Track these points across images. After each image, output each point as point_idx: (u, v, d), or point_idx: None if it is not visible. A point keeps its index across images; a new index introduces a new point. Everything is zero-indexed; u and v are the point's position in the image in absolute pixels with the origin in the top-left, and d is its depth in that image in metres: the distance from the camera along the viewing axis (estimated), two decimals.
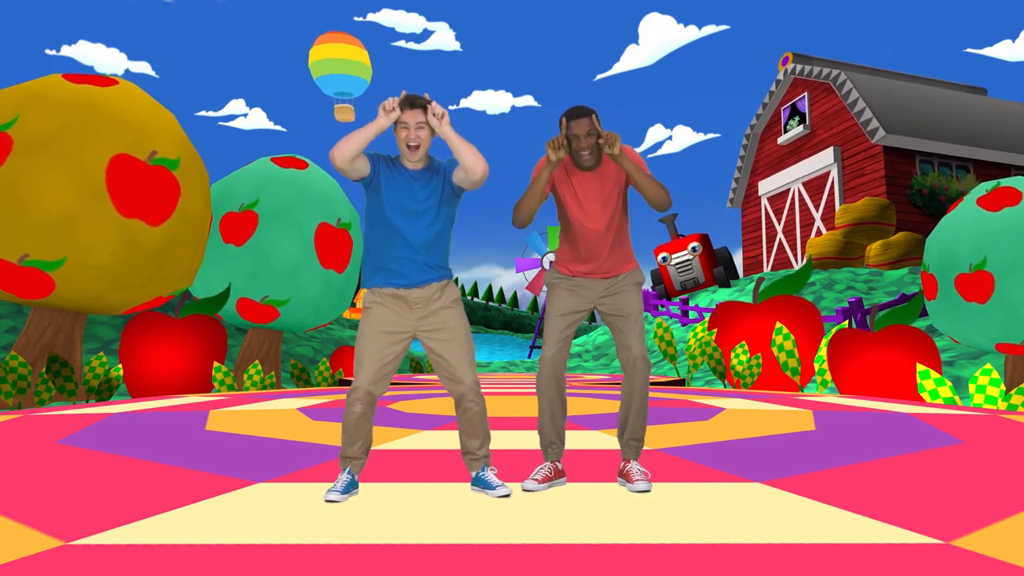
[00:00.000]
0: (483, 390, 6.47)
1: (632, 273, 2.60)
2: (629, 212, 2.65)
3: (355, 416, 2.33)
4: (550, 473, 2.50)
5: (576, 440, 3.66)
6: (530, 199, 2.45)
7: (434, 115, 2.32)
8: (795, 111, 23.97)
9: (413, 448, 3.44)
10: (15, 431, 3.61)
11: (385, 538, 1.76)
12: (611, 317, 2.56)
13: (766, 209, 25.39)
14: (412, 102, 2.32)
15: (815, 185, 22.90)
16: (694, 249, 21.72)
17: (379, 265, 2.39)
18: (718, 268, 21.27)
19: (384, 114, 2.30)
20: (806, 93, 23.47)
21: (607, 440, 3.72)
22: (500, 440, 3.56)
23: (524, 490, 2.40)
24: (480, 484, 2.37)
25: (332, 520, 1.96)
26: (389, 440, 3.69)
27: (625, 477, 2.47)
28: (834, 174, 21.90)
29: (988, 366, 5.71)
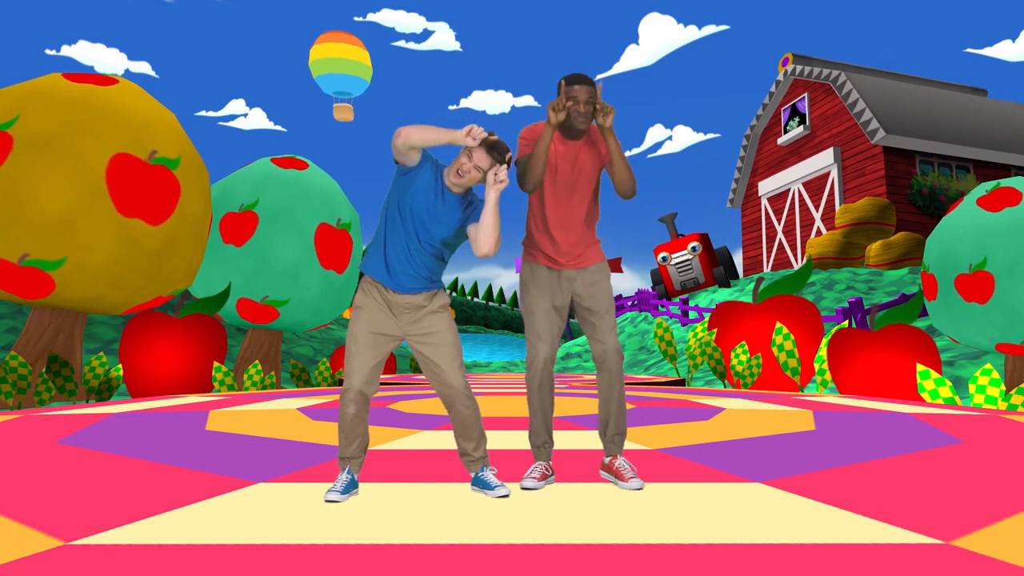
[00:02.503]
0: (483, 390, 6.49)
1: (602, 264, 2.64)
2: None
3: (350, 417, 2.35)
4: (546, 471, 2.53)
5: (575, 440, 3.66)
6: (538, 161, 2.43)
7: (495, 175, 2.32)
8: (795, 112, 23.96)
9: (413, 448, 3.44)
10: (15, 431, 3.61)
11: (385, 538, 1.76)
12: (584, 310, 2.58)
13: (766, 209, 25.39)
14: (491, 147, 2.31)
15: (815, 185, 22.89)
16: (694, 249, 21.72)
17: (378, 257, 2.41)
18: (718, 268, 21.28)
19: (462, 136, 2.28)
20: (806, 94, 23.45)
21: None
22: (499, 440, 3.57)
23: (523, 488, 2.40)
24: (480, 484, 2.38)
25: (332, 520, 1.96)
26: (389, 440, 3.69)
27: (616, 475, 2.48)
28: (834, 174, 21.89)
29: (988, 366, 5.71)
